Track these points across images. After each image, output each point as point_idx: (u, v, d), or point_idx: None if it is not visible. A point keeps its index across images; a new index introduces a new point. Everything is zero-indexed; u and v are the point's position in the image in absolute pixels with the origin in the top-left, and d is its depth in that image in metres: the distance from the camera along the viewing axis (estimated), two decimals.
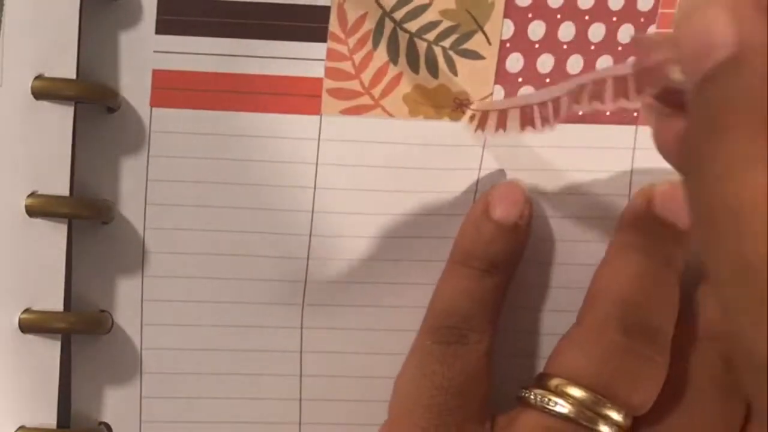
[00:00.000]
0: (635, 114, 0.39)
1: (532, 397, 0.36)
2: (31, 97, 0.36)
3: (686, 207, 0.25)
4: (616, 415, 0.35)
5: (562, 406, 0.35)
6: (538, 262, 0.40)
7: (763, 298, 0.20)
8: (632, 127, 0.40)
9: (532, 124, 0.36)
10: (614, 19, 0.39)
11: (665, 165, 0.31)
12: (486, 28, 0.39)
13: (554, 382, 0.36)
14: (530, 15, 0.39)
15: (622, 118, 0.39)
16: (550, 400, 0.35)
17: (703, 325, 0.38)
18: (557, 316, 0.40)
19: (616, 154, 0.40)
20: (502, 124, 0.38)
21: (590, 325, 0.37)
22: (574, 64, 0.39)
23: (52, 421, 0.37)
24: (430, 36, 0.39)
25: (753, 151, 0.22)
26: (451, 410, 0.36)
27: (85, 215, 0.37)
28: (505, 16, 0.39)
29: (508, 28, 0.39)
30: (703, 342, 0.37)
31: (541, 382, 0.36)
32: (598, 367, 0.35)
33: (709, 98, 0.24)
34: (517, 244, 0.38)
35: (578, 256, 0.40)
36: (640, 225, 0.37)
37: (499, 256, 0.38)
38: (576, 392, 0.35)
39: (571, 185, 0.40)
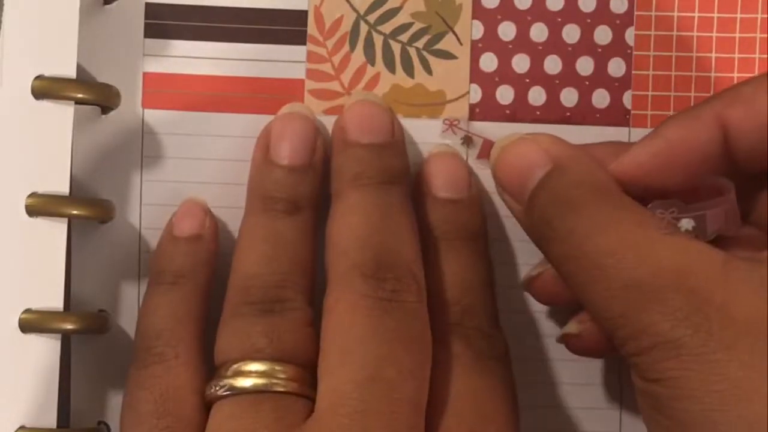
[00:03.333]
0: (627, 116, 0.44)
1: (211, 389, 0.38)
2: (31, 97, 0.40)
3: None
4: (278, 373, 0.37)
5: (240, 381, 0.37)
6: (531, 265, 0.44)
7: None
8: (626, 129, 0.44)
9: None
10: (588, 20, 0.44)
11: None
12: (456, 29, 0.44)
13: (229, 369, 0.38)
14: (499, 16, 0.44)
15: (615, 119, 0.44)
16: (224, 384, 0.37)
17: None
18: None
19: None
20: (486, 155, 0.43)
21: (225, 308, 0.40)
22: (552, 65, 0.44)
23: (52, 421, 0.40)
24: (404, 37, 0.44)
25: (601, 220, 0.35)
26: None
27: (86, 215, 0.41)
28: (474, 17, 0.44)
29: (478, 29, 0.44)
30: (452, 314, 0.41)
31: (216, 373, 0.38)
32: (237, 338, 0.38)
33: (549, 196, 0.37)
34: (202, 252, 0.42)
35: None
36: (256, 180, 0.42)
37: (185, 267, 0.41)
38: (252, 367, 0.38)
39: None
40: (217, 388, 0.38)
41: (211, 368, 0.39)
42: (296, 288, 0.40)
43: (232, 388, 0.37)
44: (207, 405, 0.39)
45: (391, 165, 0.41)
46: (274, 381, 0.37)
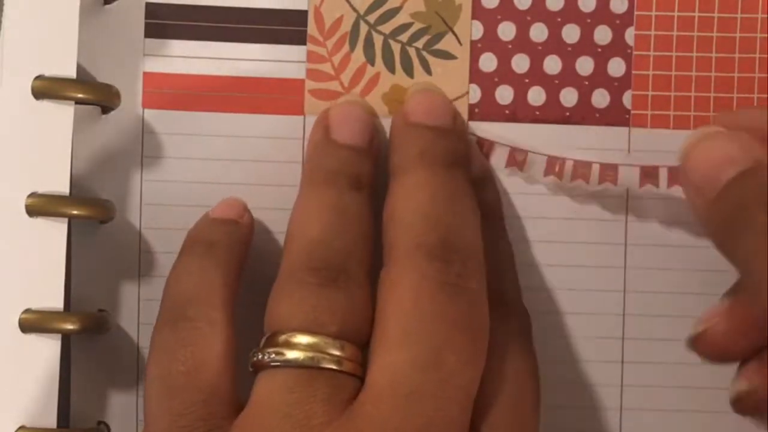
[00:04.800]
0: (627, 116, 0.45)
1: (262, 356, 0.38)
2: (31, 97, 0.40)
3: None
4: (333, 350, 0.37)
5: (294, 354, 0.37)
6: (536, 264, 0.45)
7: None
8: (626, 129, 0.45)
9: (559, 175, 0.44)
10: (588, 20, 0.45)
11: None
12: (456, 29, 0.45)
13: (281, 337, 0.38)
14: (498, 16, 0.45)
15: (615, 119, 0.45)
16: (278, 353, 0.37)
17: None
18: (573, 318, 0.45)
19: (610, 156, 0.44)
20: (514, 163, 0.44)
21: (285, 272, 0.39)
22: (552, 65, 0.45)
23: (52, 421, 0.41)
24: (404, 37, 0.45)
25: None
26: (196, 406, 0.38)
27: (86, 215, 0.41)
28: (474, 17, 0.45)
29: (478, 29, 0.45)
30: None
31: (269, 340, 0.38)
32: (300, 308, 0.38)
33: (749, 184, 0.36)
34: (239, 233, 0.42)
35: (573, 257, 0.45)
36: (318, 156, 0.42)
37: (221, 240, 0.41)
38: (302, 339, 0.37)
39: (565, 187, 0.45)
40: (269, 356, 0.37)
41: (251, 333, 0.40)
42: (360, 263, 0.40)
43: (288, 360, 0.37)
44: (253, 370, 0.39)
45: (456, 148, 0.42)
46: (332, 358, 0.37)
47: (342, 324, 0.38)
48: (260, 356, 0.38)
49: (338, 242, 0.39)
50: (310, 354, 0.37)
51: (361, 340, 0.39)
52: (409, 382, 0.36)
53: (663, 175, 0.43)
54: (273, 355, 0.37)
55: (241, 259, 0.42)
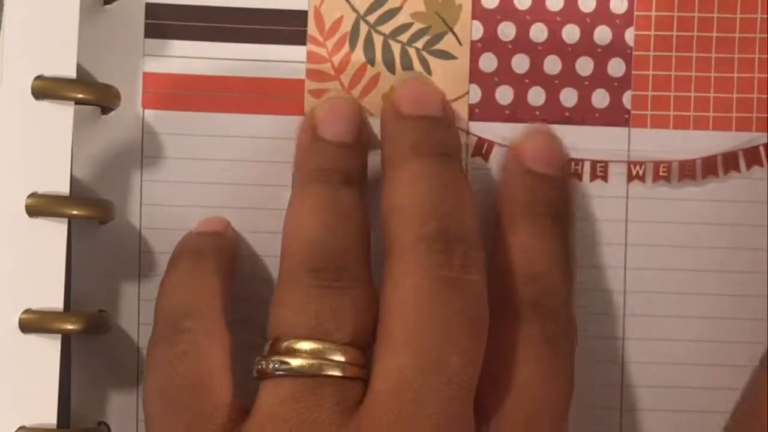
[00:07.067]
0: (627, 116, 0.45)
1: (266, 365, 0.38)
2: (31, 97, 0.40)
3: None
4: (336, 356, 0.37)
5: (297, 362, 0.37)
6: None
7: None
8: (626, 129, 0.45)
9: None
10: (588, 20, 0.45)
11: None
12: (456, 29, 0.45)
13: (284, 345, 0.37)
14: (498, 16, 0.45)
15: (615, 119, 0.45)
16: (283, 362, 0.37)
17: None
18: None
19: (609, 156, 0.45)
20: (479, 153, 0.44)
21: (284, 275, 0.39)
22: (552, 65, 0.45)
23: (52, 421, 0.40)
24: (404, 37, 0.45)
25: None
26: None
27: (86, 215, 0.41)
28: (474, 17, 0.45)
29: (478, 29, 0.45)
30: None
31: (272, 347, 0.38)
32: (304, 316, 0.38)
33: None
34: (224, 243, 0.42)
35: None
36: (307, 155, 0.42)
37: (207, 249, 0.42)
38: (304, 346, 0.37)
39: None
40: (274, 365, 0.37)
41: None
42: (360, 259, 0.40)
43: (292, 369, 0.37)
44: (257, 377, 0.38)
45: (447, 138, 0.42)
46: (335, 364, 0.37)
47: (346, 330, 0.38)
48: (264, 365, 0.38)
49: (336, 240, 0.39)
50: (313, 361, 0.37)
51: (364, 342, 0.39)
52: (415, 386, 0.36)
53: (649, 170, 0.43)
54: (277, 364, 0.37)
55: (230, 269, 0.42)
